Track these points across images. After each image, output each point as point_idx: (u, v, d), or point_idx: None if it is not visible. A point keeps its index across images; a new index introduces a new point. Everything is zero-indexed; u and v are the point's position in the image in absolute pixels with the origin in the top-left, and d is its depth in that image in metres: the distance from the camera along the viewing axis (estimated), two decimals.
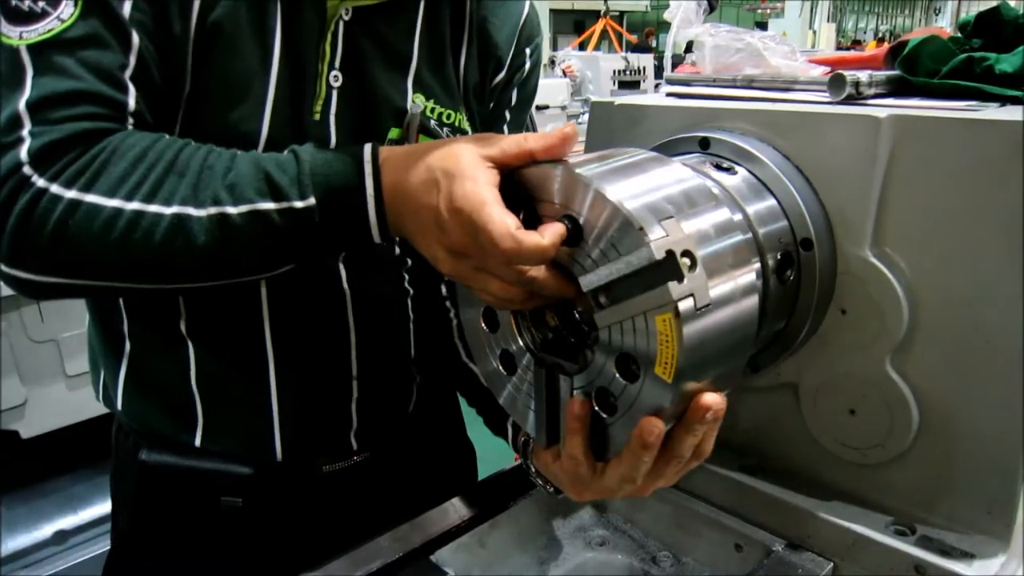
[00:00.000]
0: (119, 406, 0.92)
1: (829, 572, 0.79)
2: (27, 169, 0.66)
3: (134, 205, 0.67)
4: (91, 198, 0.67)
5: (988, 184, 0.67)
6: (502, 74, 0.98)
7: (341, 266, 0.88)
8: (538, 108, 4.85)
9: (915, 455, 0.76)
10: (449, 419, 1.13)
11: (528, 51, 1.00)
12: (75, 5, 0.69)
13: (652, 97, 0.92)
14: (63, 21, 0.69)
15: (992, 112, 0.70)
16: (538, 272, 0.61)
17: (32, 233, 0.66)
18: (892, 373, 0.75)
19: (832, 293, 0.76)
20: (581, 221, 0.60)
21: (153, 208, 0.67)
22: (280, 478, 0.92)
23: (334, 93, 0.83)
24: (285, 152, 0.72)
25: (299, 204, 0.69)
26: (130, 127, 0.72)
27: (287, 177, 0.69)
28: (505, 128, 1.02)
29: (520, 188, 0.64)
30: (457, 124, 0.91)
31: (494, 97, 0.98)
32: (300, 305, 0.87)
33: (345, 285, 0.88)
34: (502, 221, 0.59)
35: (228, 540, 0.91)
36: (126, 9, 0.71)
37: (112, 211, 0.67)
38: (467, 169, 0.63)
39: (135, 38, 0.72)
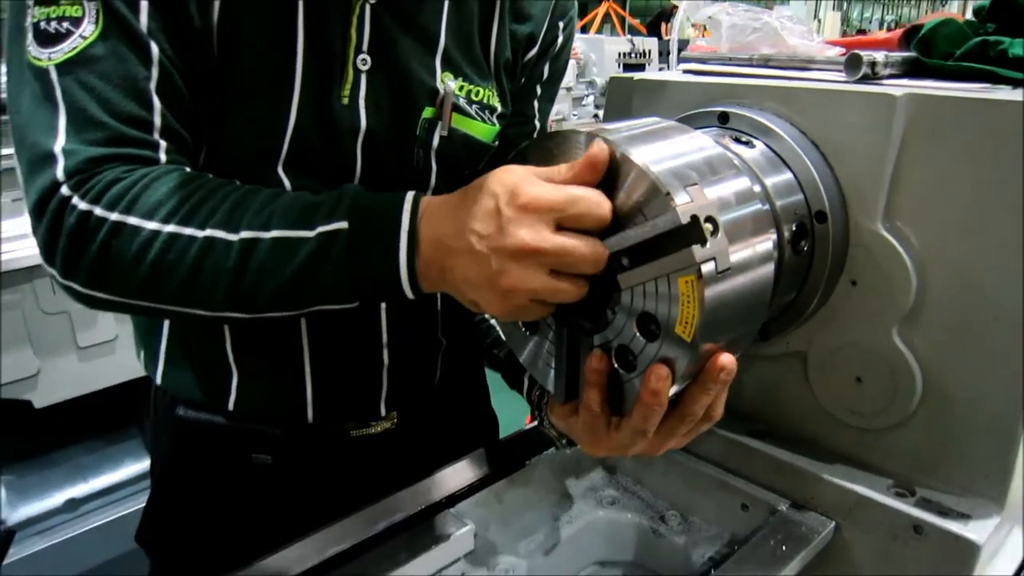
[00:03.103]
0: (158, 375, 0.96)
1: (831, 531, 0.83)
2: (65, 190, 0.69)
3: (170, 228, 0.69)
4: (132, 220, 0.69)
5: (998, 163, 0.70)
6: (535, 49, 0.99)
7: None
8: None
9: (917, 422, 0.80)
10: (474, 389, 1.16)
11: (561, 24, 1.00)
12: (95, 24, 0.71)
13: (670, 73, 0.95)
14: (84, 39, 0.71)
15: (1005, 93, 0.73)
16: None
17: (81, 252, 0.69)
18: (899, 343, 0.78)
19: (844, 264, 0.79)
20: (609, 182, 0.63)
21: (188, 231, 0.69)
22: (310, 440, 0.96)
23: (363, 77, 0.84)
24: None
25: (328, 227, 0.69)
26: (157, 137, 0.74)
27: (325, 207, 0.70)
28: (535, 103, 1.03)
29: (547, 156, 0.67)
30: (487, 101, 0.93)
31: (526, 72, 1.00)
32: None
33: None
34: (590, 194, 0.61)
35: (257, 494, 0.95)
36: (143, 21, 0.72)
37: (150, 233, 0.68)
38: (522, 176, 0.64)
39: (154, 49, 0.73)
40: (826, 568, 0.85)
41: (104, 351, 2.19)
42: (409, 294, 0.70)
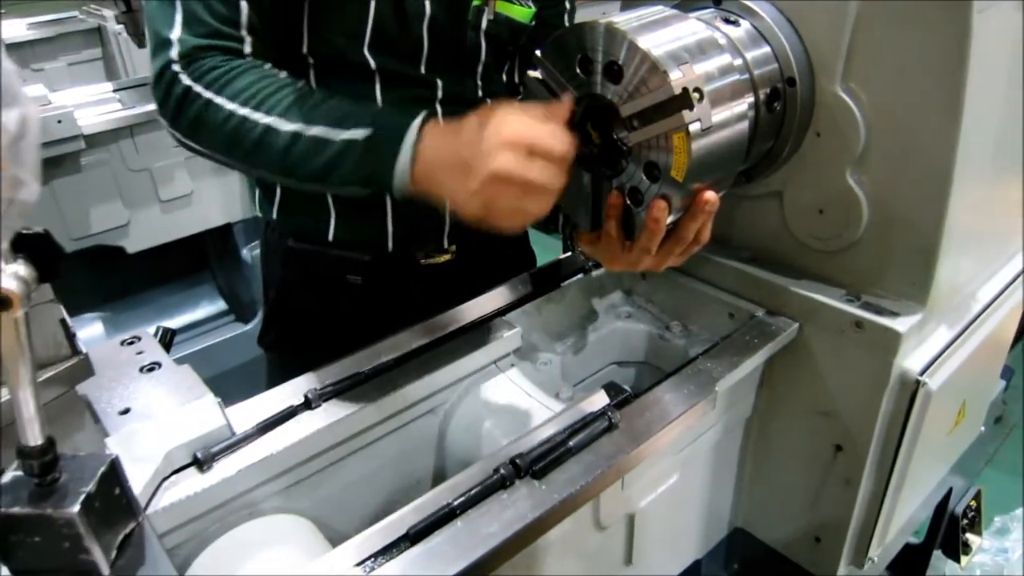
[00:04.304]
0: (274, 213, 1.21)
1: (795, 330, 1.08)
2: (176, 67, 0.94)
3: (244, 111, 0.93)
4: (218, 100, 0.93)
5: (930, 34, 0.88)
6: None
7: (439, 112, 1.12)
8: None
9: (864, 244, 1.02)
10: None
11: None
12: None
13: None
14: None
15: None
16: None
17: (183, 114, 0.94)
18: (851, 182, 0.99)
19: (810, 120, 0.99)
20: (620, 63, 0.83)
21: (255, 116, 0.92)
22: (390, 266, 1.22)
23: None
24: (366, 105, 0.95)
25: (353, 135, 0.90)
26: (244, 33, 0.97)
27: (353, 118, 0.91)
28: None
29: (571, 44, 0.87)
30: None
31: None
32: None
33: (438, 106, 1.13)
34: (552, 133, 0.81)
35: (349, 307, 1.22)
36: None
37: (229, 112, 0.93)
38: (505, 115, 0.82)
39: None
40: (792, 357, 1.10)
41: (181, 204, 2.46)
42: (407, 193, 0.90)
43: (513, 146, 0.79)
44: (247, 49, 0.98)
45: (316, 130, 0.91)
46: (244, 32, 0.97)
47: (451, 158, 0.85)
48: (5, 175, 0.37)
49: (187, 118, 0.94)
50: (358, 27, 1.03)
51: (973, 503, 1.75)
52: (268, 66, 0.98)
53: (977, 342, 1.12)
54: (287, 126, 0.92)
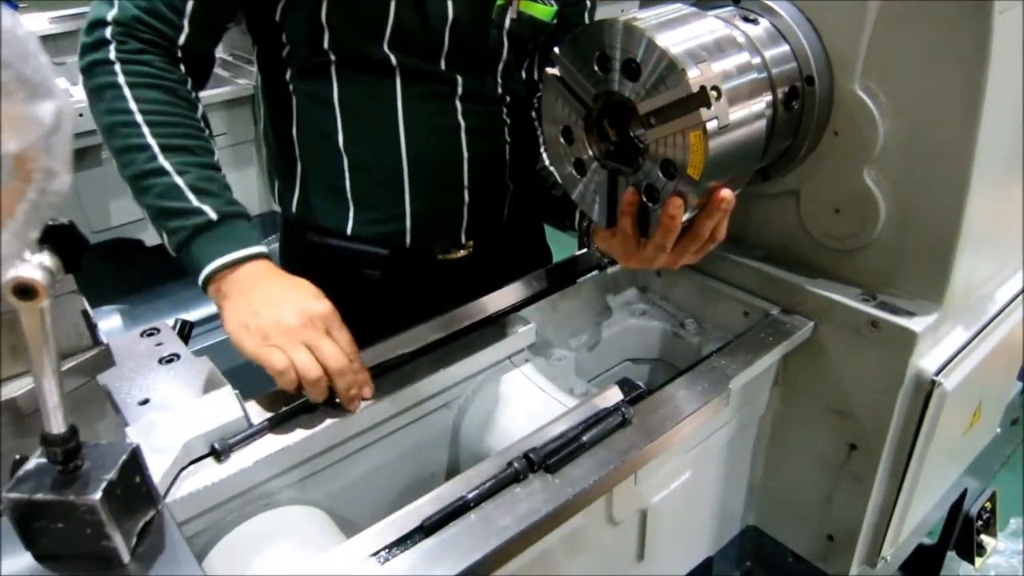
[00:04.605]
0: (293, 207, 1.22)
1: (810, 328, 1.08)
2: (109, 30, 0.97)
3: (139, 118, 0.96)
4: (126, 92, 0.96)
5: (950, 34, 0.87)
6: None
7: (459, 109, 1.13)
8: None
9: (880, 243, 1.02)
10: (533, 228, 1.42)
11: None
12: None
13: None
14: None
15: None
16: None
17: (93, 75, 0.98)
18: (868, 181, 0.99)
19: (828, 119, 0.99)
20: (638, 61, 0.84)
21: (144, 130, 0.96)
22: (408, 260, 1.23)
23: None
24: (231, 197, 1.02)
25: (196, 221, 0.96)
26: (184, 23, 1.00)
27: (209, 199, 0.97)
28: None
29: (590, 41, 0.87)
30: None
31: None
32: (427, 134, 1.14)
33: (460, 119, 1.15)
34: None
35: (367, 301, 1.23)
36: None
37: (127, 108, 0.96)
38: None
39: None
40: (806, 356, 1.10)
41: None
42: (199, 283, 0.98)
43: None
44: (182, 39, 1.01)
45: (180, 180, 0.96)
46: (185, 22, 1.01)
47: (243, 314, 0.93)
48: (38, 166, 0.37)
49: (94, 81, 0.98)
50: (377, 26, 1.04)
51: (988, 504, 1.74)
52: (187, 89, 1.02)
53: (994, 343, 1.11)
54: (162, 159, 0.96)
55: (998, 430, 1.45)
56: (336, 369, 0.87)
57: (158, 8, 0.98)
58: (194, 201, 0.96)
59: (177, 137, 0.97)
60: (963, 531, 1.70)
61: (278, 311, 0.90)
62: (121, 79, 0.97)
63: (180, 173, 0.96)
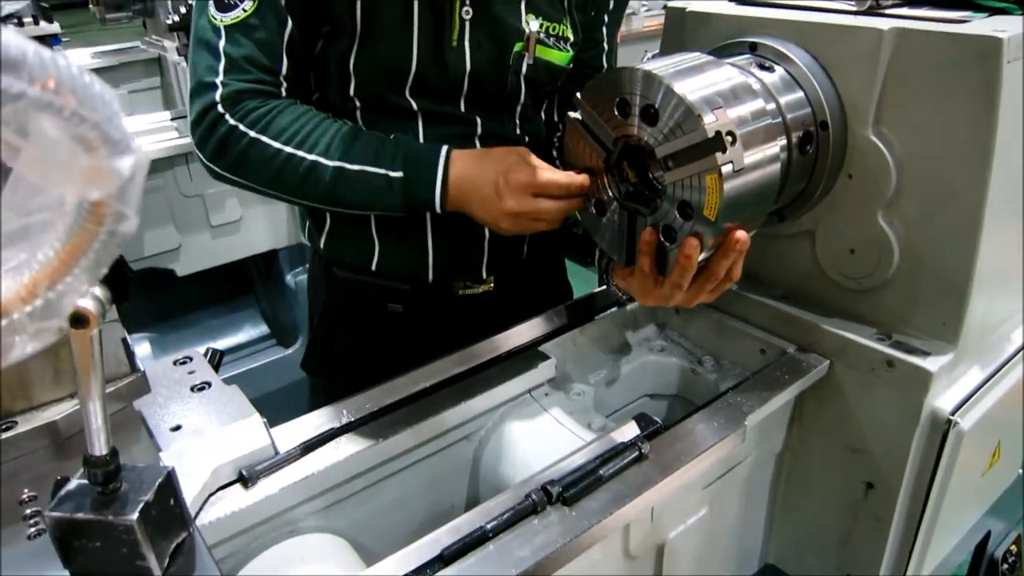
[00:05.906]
0: (322, 243, 1.26)
1: (826, 367, 1.09)
2: (220, 108, 1.03)
3: (289, 149, 1.03)
4: (264, 139, 1.03)
5: (960, 83, 0.90)
6: None
7: (477, 142, 1.17)
8: None
9: (895, 283, 1.04)
10: (554, 264, 1.46)
11: None
12: (253, 1, 1.03)
13: (717, 4, 1.15)
14: (245, 11, 1.03)
15: (973, 26, 0.92)
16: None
17: (228, 151, 1.04)
18: (882, 223, 1.01)
19: (842, 162, 1.02)
20: (657, 107, 0.87)
21: (300, 153, 1.03)
22: (430, 295, 1.26)
23: (466, 24, 1.10)
24: (391, 136, 1.07)
25: (392, 173, 1.05)
26: (281, 80, 1.07)
27: (389, 153, 1.05)
28: (604, 29, 1.26)
29: (610, 87, 0.91)
30: (562, 34, 1.16)
31: (594, 6, 1.22)
32: None
33: (476, 142, 1.19)
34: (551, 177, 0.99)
35: (390, 334, 1.27)
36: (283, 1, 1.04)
37: (275, 149, 1.03)
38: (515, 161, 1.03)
39: (289, 23, 1.05)
40: (823, 394, 1.11)
41: (231, 230, 2.56)
42: (439, 211, 1.08)
43: (517, 192, 1.02)
44: (283, 94, 1.07)
45: (357, 167, 1.03)
46: (282, 79, 1.07)
47: (475, 193, 1.05)
48: (111, 210, 0.41)
49: (232, 155, 1.03)
50: (400, 75, 1.09)
51: (1014, 548, 1.72)
52: (300, 104, 1.07)
53: (1011, 383, 1.12)
54: (330, 163, 1.03)
55: (1020, 471, 1.44)
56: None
57: (258, 77, 1.05)
58: (379, 171, 1.05)
59: (325, 137, 1.04)
60: (988, 574, 1.68)
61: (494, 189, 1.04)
62: (252, 134, 1.03)
63: (350, 160, 1.04)
